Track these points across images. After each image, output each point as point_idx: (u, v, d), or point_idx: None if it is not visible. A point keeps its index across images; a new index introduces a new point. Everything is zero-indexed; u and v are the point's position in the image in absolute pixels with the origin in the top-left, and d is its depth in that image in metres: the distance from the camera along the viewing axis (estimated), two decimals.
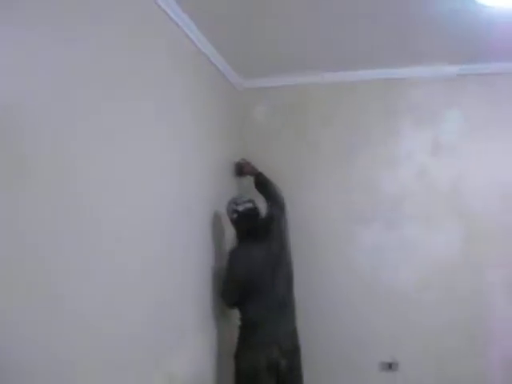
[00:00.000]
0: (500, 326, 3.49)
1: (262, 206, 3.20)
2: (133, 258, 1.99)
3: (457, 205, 3.57)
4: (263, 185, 3.38)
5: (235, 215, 3.04)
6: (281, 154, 3.76)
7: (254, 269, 2.93)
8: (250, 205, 3.06)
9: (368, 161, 3.68)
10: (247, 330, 2.97)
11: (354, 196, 3.67)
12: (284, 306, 3.02)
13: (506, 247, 3.51)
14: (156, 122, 2.29)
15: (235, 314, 3.08)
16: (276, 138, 3.79)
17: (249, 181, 3.50)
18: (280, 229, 3.13)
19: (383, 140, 3.68)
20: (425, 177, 3.62)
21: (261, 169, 3.44)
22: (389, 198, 3.64)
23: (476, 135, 3.58)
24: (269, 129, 3.80)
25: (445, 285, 3.54)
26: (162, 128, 2.37)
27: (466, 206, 3.56)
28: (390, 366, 3.53)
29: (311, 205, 3.69)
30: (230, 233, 3.27)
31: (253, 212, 3.05)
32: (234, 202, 3.08)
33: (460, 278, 3.53)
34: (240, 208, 3.03)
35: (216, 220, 3.17)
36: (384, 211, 3.64)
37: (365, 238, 3.64)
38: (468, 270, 3.53)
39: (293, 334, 3.06)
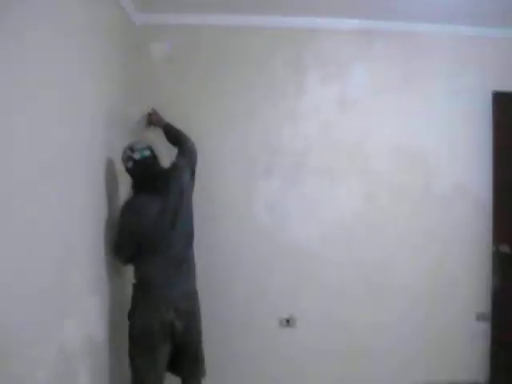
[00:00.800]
0: (398, 279, 3.65)
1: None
2: (16, 216, 1.71)
3: (359, 161, 3.62)
4: (171, 135, 3.19)
5: (130, 163, 2.77)
6: (179, 101, 3.49)
7: (150, 223, 2.73)
8: (147, 152, 2.80)
9: (272, 114, 3.57)
10: (142, 289, 2.80)
11: (257, 149, 3.57)
12: (182, 264, 2.86)
13: (403, 204, 3.63)
14: (43, 59, 1.95)
15: (131, 272, 2.86)
16: (175, 82, 3.50)
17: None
18: (182, 181, 2.91)
19: (288, 92, 3.58)
20: (329, 132, 3.60)
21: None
22: (292, 152, 3.58)
23: (381, 92, 3.62)
24: (167, 71, 3.51)
25: (345, 240, 3.60)
26: (51, 65, 2.03)
27: (368, 163, 3.62)
28: (288, 322, 3.56)
29: (213, 157, 3.49)
30: (126, 183, 3.01)
31: (150, 160, 2.81)
32: (130, 148, 2.79)
33: (360, 233, 3.62)
34: (136, 155, 2.76)
35: (110, 169, 2.88)
36: (287, 166, 3.58)
37: (267, 192, 3.57)
38: (367, 226, 3.62)
39: (191, 295, 2.93)
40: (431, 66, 3.66)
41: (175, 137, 3.17)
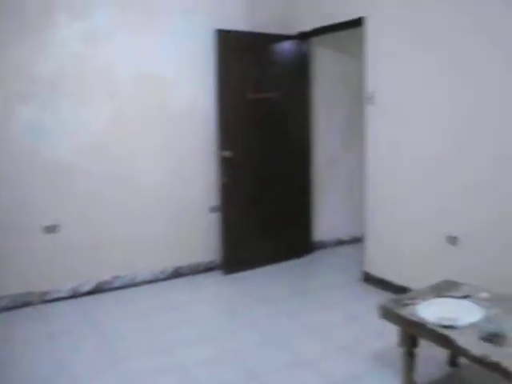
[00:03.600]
0: (145, 183, 4.36)
1: None
2: None
3: (108, 86, 4.11)
4: None
5: None
6: None
7: None
8: None
9: (26, 46, 3.77)
10: None
11: (14, 78, 3.75)
12: None
13: (146, 122, 4.30)
14: None
15: None
16: None
17: None
18: None
19: (41, 27, 3.81)
20: (80, 62, 3.98)
21: None
22: (46, 79, 3.86)
23: (126, 29, 4.13)
24: None
25: (98, 153, 4.13)
26: None
27: (116, 87, 4.14)
28: (53, 229, 3.96)
29: None
30: None
31: None
32: None
33: (110, 146, 4.18)
34: None
35: None
36: (42, 91, 3.86)
37: (27, 115, 3.82)
38: (117, 140, 4.20)
39: None
40: (169, 6, 4.28)
41: None
